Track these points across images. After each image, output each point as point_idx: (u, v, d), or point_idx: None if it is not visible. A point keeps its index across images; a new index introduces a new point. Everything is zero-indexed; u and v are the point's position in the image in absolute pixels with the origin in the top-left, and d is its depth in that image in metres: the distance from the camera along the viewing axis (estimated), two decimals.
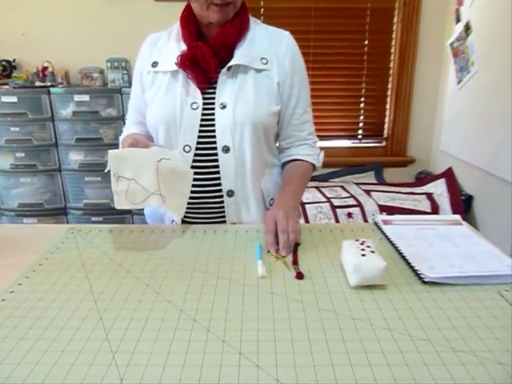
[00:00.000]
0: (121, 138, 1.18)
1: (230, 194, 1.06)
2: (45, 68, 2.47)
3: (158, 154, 0.98)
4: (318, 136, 1.18)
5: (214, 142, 1.04)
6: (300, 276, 0.79)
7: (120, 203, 0.93)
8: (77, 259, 0.88)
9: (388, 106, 2.72)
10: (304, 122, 1.13)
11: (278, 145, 1.18)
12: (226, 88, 1.03)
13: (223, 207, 1.07)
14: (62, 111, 2.35)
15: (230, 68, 1.03)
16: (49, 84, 2.42)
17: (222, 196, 1.06)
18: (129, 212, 2.47)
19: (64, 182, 2.46)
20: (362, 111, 2.73)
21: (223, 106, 1.03)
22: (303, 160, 1.13)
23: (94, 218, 2.47)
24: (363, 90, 2.69)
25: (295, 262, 0.84)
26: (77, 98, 2.32)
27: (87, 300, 0.73)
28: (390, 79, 2.67)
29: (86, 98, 2.32)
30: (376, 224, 1.04)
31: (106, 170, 0.96)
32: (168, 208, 0.96)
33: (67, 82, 2.52)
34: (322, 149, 1.18)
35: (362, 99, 2.70)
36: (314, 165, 1.15)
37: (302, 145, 1.14)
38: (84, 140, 2.38)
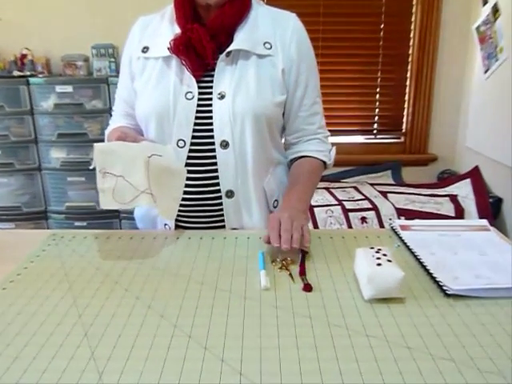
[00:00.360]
0: (107, 131, 1.19)
1: (230, 194, 1.07)
2: (23, 56, 2.49)
3: (149, 149, 0.98)
4: (329, 131, 1.19)
5: (212, 137, 1.04)
6: (308, 288, 0.79)
7: (106, 203, 0.93)
8: (59, 269, 0.88)
9: (407, 97, 2.72)
10: (313, 114, 1.13)
11: (284, 140, 1.18)
12: (225, 76, 1.04)
13: (222, 210, 1.08)
14: (43, 103, 2.36)
15: (229, 53, 1.03)
16: (28, 73, 2.43)
17: (220, 197, 1.07)
18: (116, 216, 2.48)
19: (44, 183, 2.48)
20: (377, 103, 2.73)
21: (221, 96, 1.03)
22: (312, 157, 1.13)
23: (77, 223, 2.48)
24: (379, 80, 2.69)
25: (303, 273, 0.84)
26: (59, 88, 2.33)
27: (71, 314, 0.73)
28: (409, 67, 2.67)
29: (69, 88, 2.33)
30: (393, 230, 1.04)
31: (91, 167, 0.96)
32: (158, 210, 0.96)
33: (48, 71, 2.53)
34: (333, 145, 1.18)
35: (378, 89, 2.70)
36: (324, 162, 1.15)
37: (311, 140, 1.15)
38: (67, 135, 2.39)
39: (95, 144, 0.94)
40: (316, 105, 1.13)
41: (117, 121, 1.21)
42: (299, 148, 1.15)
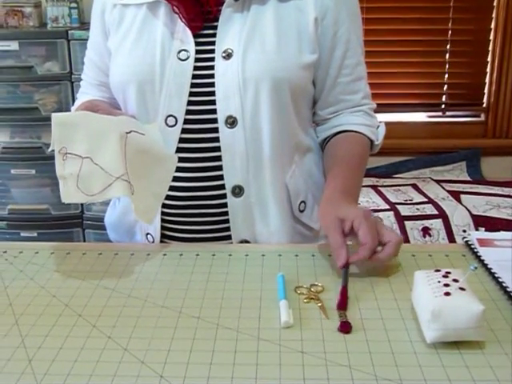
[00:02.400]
0: (73, 108, 1.20)
1: (237, 191, 1.07)
2: None
3: (127, 124, 0.99)
4: (377, 105, 1.19)
5: (213, 111, 1.05)
6: (346, 328, 0.79)
7: (68, 195, 0.94)
8: (0, 296, 0.89)
9: (489, 58, 2.70)
10: (357, 79, 1.14)
11: (314, 116, 1.18)
12: (233, 27, 1.04)
13: (226, 213, 1.08)
14: None
15: None
16: None
17: (224, 195, 1.07)
18: (79, 224, 2.49)
19: None
20: (446, 65, 2.71)
21: (227, 55, 1.04)
22: (358, 132, 1.13)
23: (24, 233, 2.51)
24: (449, 33, 2.67)
25: (343, 306, 0.84)
26: None
27: (17, 359, 0.73)
28: (494, 13, 2.64)
29: (13, 45, 2.35)
30: (468, 245, 1.04)
31: (49, 150, 0.97)
32: (133, 208, 0.97)
33: None
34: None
35: (448, 46, 2.68)
36: (371, 141, 1.15)
37: (354, 112, 1.15)
38: (10, 111, 2.41)
39: (53, 114, 0.96)
40: (360, 66, 1.14)
41: (87, 93, 1.22)
42: (338, 121, 1.15)
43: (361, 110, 1.15)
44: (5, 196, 2.50)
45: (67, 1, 2.46)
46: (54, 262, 1.00)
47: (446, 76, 2.72)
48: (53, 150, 0.96)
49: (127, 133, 0.97)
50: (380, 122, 1.19)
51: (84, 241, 2.48)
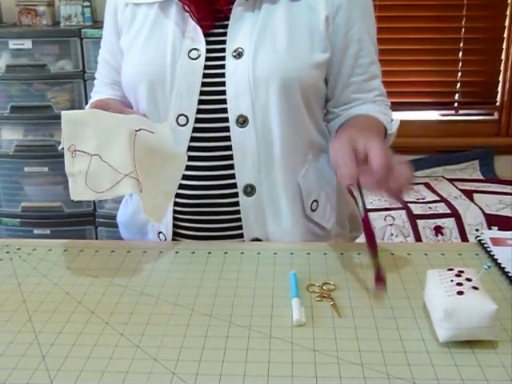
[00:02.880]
0: (87, 106, 1.21)
1: (249, 190, 1.07)
2: None
3: (137, 122, 0.99)
4: (390, 104, 1.18)
5: (224, 110, 1.05)
6: (380, 279, 0.83)
7: (77, 192, 0.94)
8: (14, 293, 0.89)
9: (503, 57, 2.69)
10: (371, 78, 1.13)
11: (327, 114, 1.18)
12: (243, 26, 1.04)
13: (238, 212, 1.08)
14: None
15: None
16: None
17: (236, 194, 1.08)
18: (91, 222, 2.51)
19: None
20: (459, 64, 2.70)
21: (238, 54, 1.04)
22: (372, 115, 1.11)
23: (37, 231, 2.52)
24: (462, 31, 2.66)
25: (373, 247, 0.87)
26: (13, 44, 2.36)
27: (31, 355, 0.74)
28: (508, 11, 2.63)
29: (26, 44, 2.36)
30: (481, 244, 1.03)
31: (59, 147, 0.98)
32: (141, 206, 0.97)
33: None
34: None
35: (461, 44, 2.67)
36: (385, 129, 1.13)
37: (366, 103, 1.14)
38: (23, 109, 2.42)
39: (63, 112, 0.96)
40: (374, 65, 1.13)
41: (101, 92, 1.23)
42: (351, 112, 1.13)
43: (375, 102, 1.14)
44: (18, 194, 2.52)
45: None
46: (67, 259, 1.00)
47: (459, 74, 2.71)
48: (63, 148, 0.97)
49: (136, 131, 0.97)
50: (398, 121, 1.17)
51: (96, 238, 2.49)
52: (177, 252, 1.03)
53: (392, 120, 1.16)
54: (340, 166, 0.86)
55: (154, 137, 1.00)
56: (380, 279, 0.83)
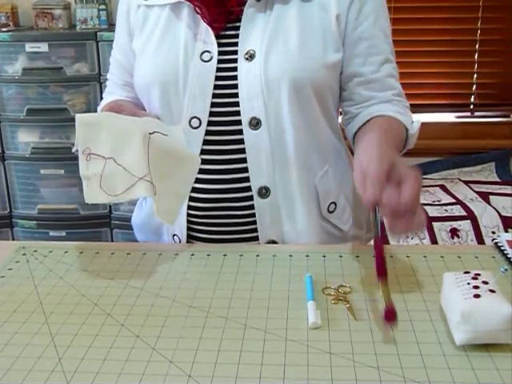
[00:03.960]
0: (99, 107, 1.21)
1: (264, 193, 1.07)
2: None
3: (151, 125, 1.00)
4: None
5: (237, 113, 1.05)
6: (390, 315, 0.76)
7: (92, 195, 0.95)
8: (31, 294, 0.90)
9: None
10: (386, 76, 1.11)
11: (344, 115, 1.17)
12: (255, 27, 1.04)
13: (253, 215, 1.08)
14: (7, 68, 2.42)
15: None
16: None
17: (250, 197, 1.08)
18: (107, 224, 2.52)
19: (9, 177, 2.54)
20: (475, 65, 2.68)
21: (250, 56, 1.04)
22: (392, 117, 1.08)
23: (53, 233, 2.54)
24: (478, 32, 2.64)
25: (382, 273, 0.82)
26: (29, 47, 2.39)
27: (47, 357, 0.75)
28: None
29: (43, 47, 2.38)
30: (498, 247, 1.02)
31: (73, 149, 0.99)
32: (155, 209, 0.97)
33: (15, 24, 2.59)
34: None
35: (477, 46, 2.66)
36: (406, 129, 1.10)
37: (385, 102, 1.11)
38: (40, 112, 2.44)
39: (77, 115, 0.97)
40: (388, 64, 1.11)
41: (113, 93, 1.24)
42: (368, 111, 1.10)
43: (391, 101, 1.11)
44: (34, 196, 2.54)
45: (96, 2, 2.49)
46: (83, 261, 1.01)
47: (475, 76, 2.70)
48: (77, 151, 0.97)
49: (150, 134, 0.98)
50: (419, 121, 1.14)
51: (112, 240, 2.51)
52: (192, 254, 1.03)
53: (412, 122, 1.13)
54: (367, 185, 0.83)
55: (168, 139, 1.01)
56: (390, 315, 0.77)
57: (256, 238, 1.09)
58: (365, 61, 1.09)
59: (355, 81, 1.11)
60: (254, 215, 1.08)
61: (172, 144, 1.02)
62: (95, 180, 0.95)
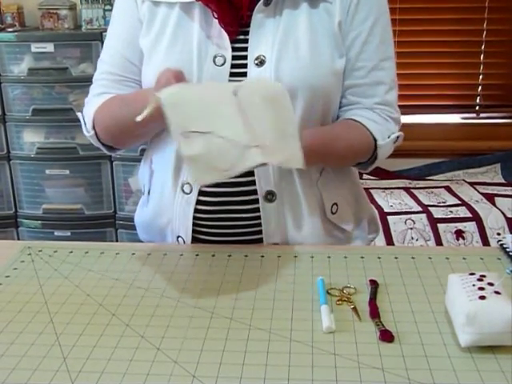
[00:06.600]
0: (93, 109, 1.14)
1: (270, 197, 1.07)
2: None
3: (226, 86, 0.96)
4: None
5: None
6: (387, 336, 0.78)
7: (202, 175, 0.89)
8: (36, 294, 0.90)
9: None
10: (374, 84, 1.10)
11: None
12: (265, 33, 1.04)
13: (259, 218, 1.08)
14: (13, 68, 2.42)
15: (269, 1, 1.03)
16: None
17: (256, 201, 1.08)
18: (111, 224, 2.52)
19: (14, 177, 2.54)
20: (481, 67, 2.68)
21: (260, 62, 1.04)
22: (359, 122, 1.08)
23: (58, 233, 2.54)
24: (484, 33, 2.64)
25: (375, 314, 0.83)
26: (35, 47, 2.39)
27: (52, 357, 0.75)
28: None
29: (48, 47, 2.38)
30: (504, 248, 1.02)
31: (171, 135, 0.90)
32: (280, 161, 0.93)
33: (21, 24, 2.60)
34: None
35: (482, 47, 2.65)
36: (374, 139, 1.08)
37: (367, 109, 1.10)
38: (45, 112, 2.44)
39: (161, 96, 0.88)
40: (378, 71, 1.10)
41: (108, 92, 1.15)
42: (346, 114, 1.11)
43: (373, 109, 1.10)
44: (39, 196, 2.54)
45: (101, 3, 2.49)
46: (88, 261, 1.01)
47: (481, 77, 2.69)
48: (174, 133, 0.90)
49: (235, 95, 0.92)
50: (399, 133, 1.12)
51: (117, 241, 2.51)
52: (197, 255, 1.03)
53: (394, 134, 1.10)
54: None
55: (253, 89, 0.95)
56: (386, 336, 0.78)
57: (260, 241, 1.09)
58: (352, 67, 1.09)
59: (345, 85, 1.11)
60: (259, 218, 1.08)
61: (258, 90, 0.95)
62: (201, 159, 0.88)
